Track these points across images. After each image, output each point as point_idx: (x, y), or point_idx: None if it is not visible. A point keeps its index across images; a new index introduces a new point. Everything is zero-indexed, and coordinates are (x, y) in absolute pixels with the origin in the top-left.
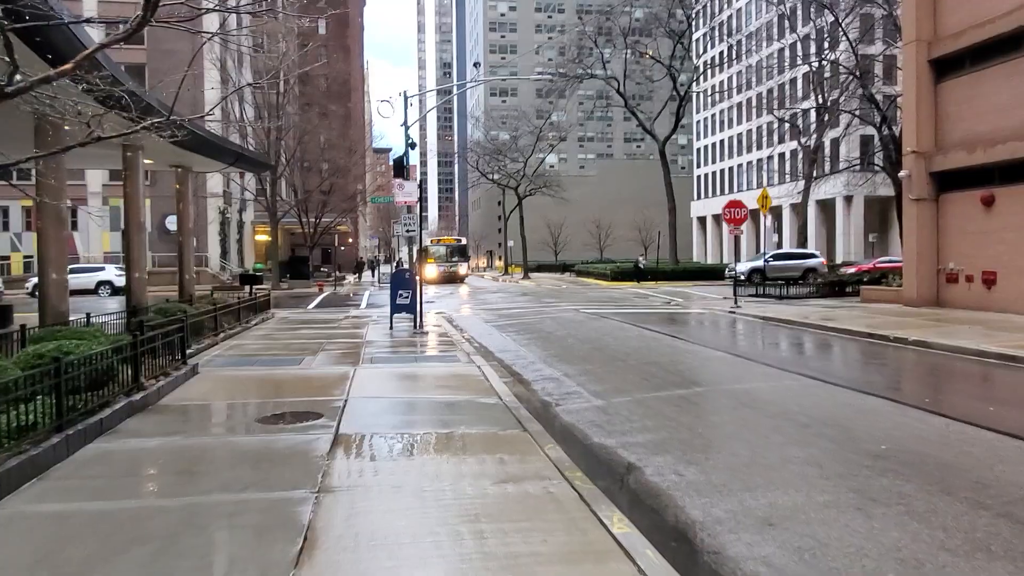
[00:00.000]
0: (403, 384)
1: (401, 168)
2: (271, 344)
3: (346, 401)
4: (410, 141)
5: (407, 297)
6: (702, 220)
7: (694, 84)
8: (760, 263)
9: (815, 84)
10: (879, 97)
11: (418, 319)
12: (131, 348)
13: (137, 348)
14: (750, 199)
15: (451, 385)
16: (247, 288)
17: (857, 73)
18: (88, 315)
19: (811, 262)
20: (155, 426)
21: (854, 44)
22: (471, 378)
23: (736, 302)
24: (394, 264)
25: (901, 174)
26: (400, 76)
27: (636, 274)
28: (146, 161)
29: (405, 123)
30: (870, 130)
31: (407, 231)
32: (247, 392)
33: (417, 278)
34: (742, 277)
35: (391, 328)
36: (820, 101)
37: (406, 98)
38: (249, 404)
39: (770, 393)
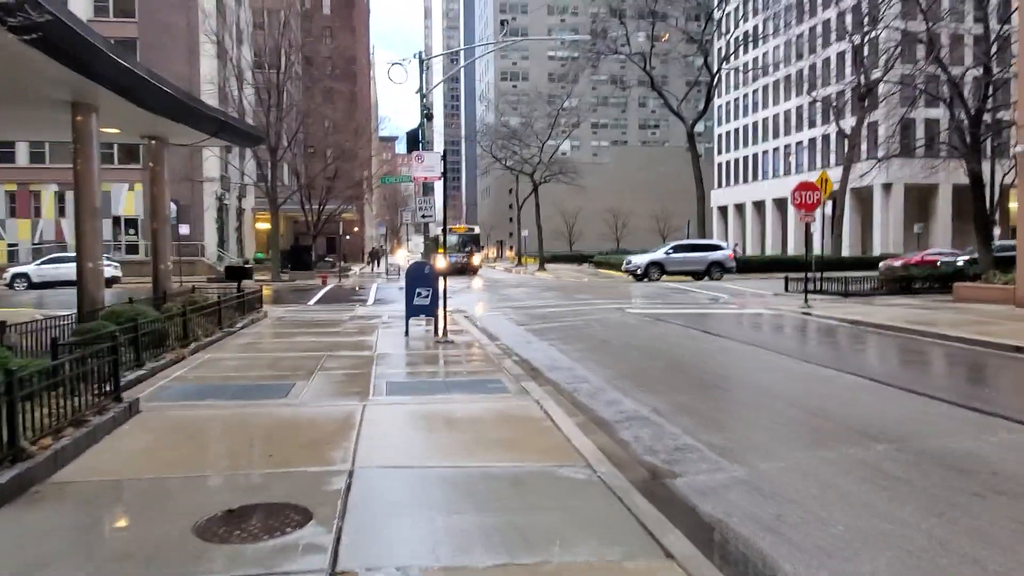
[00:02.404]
0: (436, 437)
1: (416, 142)
2: (254, 359)
3: (351, 476)
4: (427, 112)
5: (426, 297)
6: (723, 210)
7: (725, 62)
8: (659, 256)
9: (859, 61)
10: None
11: (440, 324)
12: (3, 392)
13: (14, 392)
14: (780, 187)
15: (508, 438)
16: (240, 282)
17: (932, 44)
18: (4, 323)
19: (716, 255)
20: (6, 547)
21: (925, 11)
22: (531, 422)
23: (805, 301)
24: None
25: (1016, 149)
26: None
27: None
28: (109, 131)
29: (421, 89)
30: (913, 113)
31: (422, 216)
32: (197, 455)
33: (439, 274)
34: (639, 272)
35: (407, 334)
36: (862, 80)
37: (422, 60)
38: (193, 484)
39: (1009, 461)
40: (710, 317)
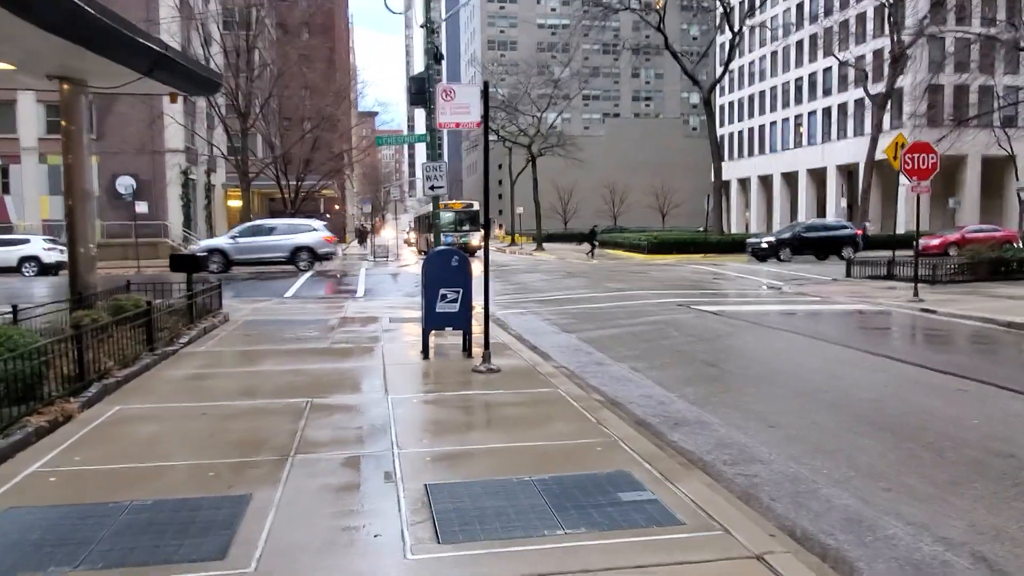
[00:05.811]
0: None
1: (423, 88)
2: (189, 419)
3: None
4: (435, 51)
5: (454, 301)
6: (726, 185)
7: (749, 16)
8: (222, 241)
9: (892, 20)
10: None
11: (473, 340)
12: None
13: None
14: (790, 160)
15: None
16: (208, 274)
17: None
18: None
19: (303, 238)
20: None
21: None
22: None
23: (915, 293)
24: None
25: None
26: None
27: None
28: (1, 67)
29: (427, 23)
30: (942, 79)
31: (430, 187)
32: None
33: (471, 265)
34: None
35: (425, 356)
36: (895, 39)
37: None
38: None
39: None
40: (816, 319)
